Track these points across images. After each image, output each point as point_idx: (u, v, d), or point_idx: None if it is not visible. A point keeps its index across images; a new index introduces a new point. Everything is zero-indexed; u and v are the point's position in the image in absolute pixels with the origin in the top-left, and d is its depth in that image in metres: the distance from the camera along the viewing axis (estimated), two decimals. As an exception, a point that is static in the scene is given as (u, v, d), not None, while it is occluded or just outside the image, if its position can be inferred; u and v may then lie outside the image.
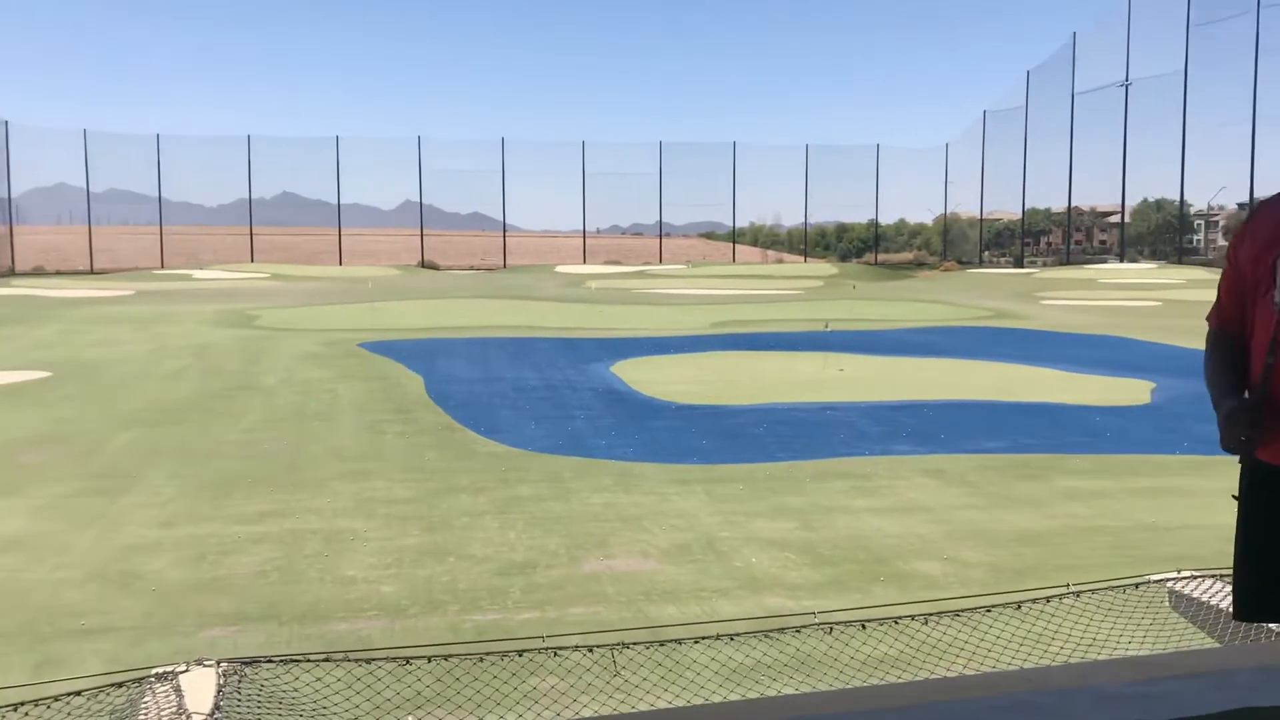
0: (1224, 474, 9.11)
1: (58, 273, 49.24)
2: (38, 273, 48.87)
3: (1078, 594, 3.64)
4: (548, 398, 13.10)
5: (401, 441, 10.50)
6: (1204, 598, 4.49)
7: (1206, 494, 8.56)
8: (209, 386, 13.84)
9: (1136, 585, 4.21)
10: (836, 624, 4.50)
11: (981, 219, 64.69)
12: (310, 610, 5.92)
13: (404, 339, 19.35)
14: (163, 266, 53.10)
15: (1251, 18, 44.05)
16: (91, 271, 50.08)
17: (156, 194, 56.21)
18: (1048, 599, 3.71)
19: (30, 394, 13.30)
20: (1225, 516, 7.82)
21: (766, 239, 77.58)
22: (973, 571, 6.60)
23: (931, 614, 3.58)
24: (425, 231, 60.28)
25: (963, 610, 3.62)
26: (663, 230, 65.31)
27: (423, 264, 57.32)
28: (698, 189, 64.95)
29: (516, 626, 5.68)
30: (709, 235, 79.84)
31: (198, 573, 6.55)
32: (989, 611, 3.57)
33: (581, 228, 62.39)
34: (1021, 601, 3.70)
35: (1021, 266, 57.81)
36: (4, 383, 14.14)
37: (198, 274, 46.80)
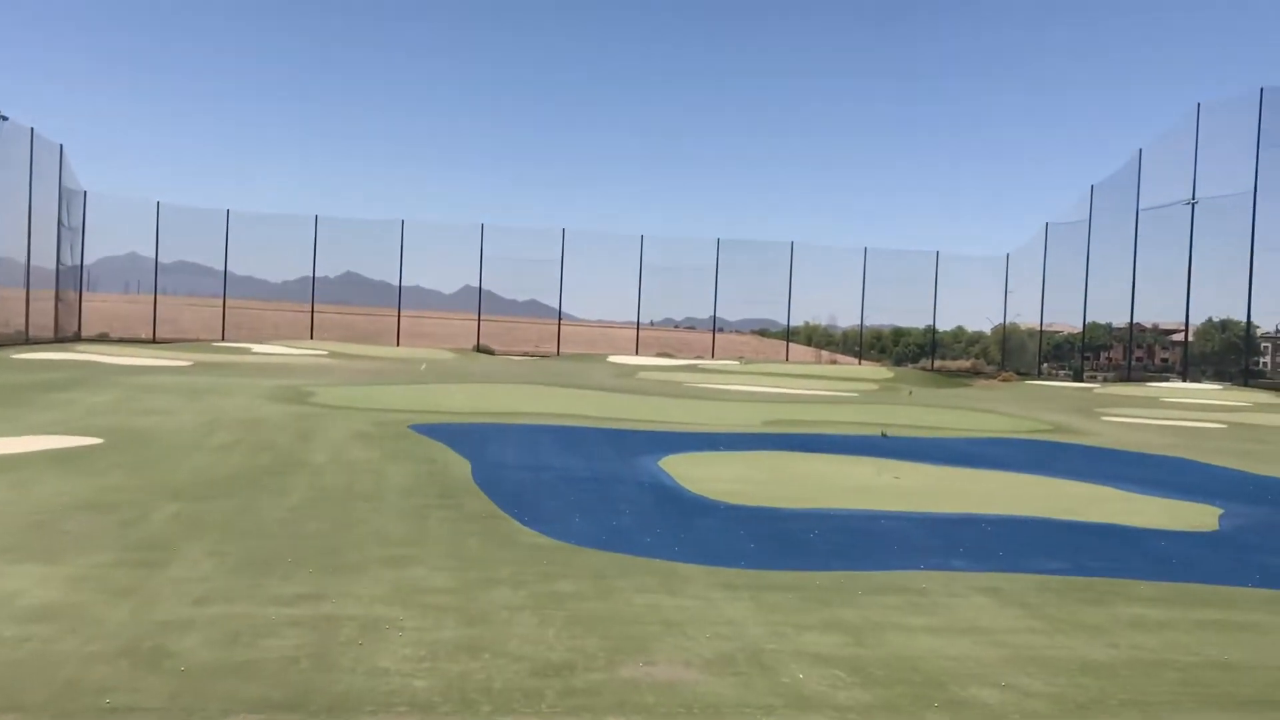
0: (1301, 612, 8.64)
1: (121, 340, 50.32)
2: (101, 339, 50.02)
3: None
4: (594, 490, 12.91)
5: (445, 528, 10.35)
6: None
7: (1281, 631, 8.12)
8: (257, 462, 13.84)
9: None
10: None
11: (1041, 330, 64.09)
12: (340, 702, 5.73)
13: (455, 422, 19.31)
14: (223, 339, 54.15)
15: (1322, 139, 43.77)
16: (154, 340, 51.18)
17: (223, 267, 57.50)
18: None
19: (80, 460, 13.38)
20: (1303, 657, 7.39)
21: (821, 339, 77.40)
22: (1033, 702, 6.25)
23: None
24: (483, 316, 60.99)
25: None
26: (716, 325, 65.45)
27: (478, 348, 57.87)
28: (753, 286, 65.02)
29: (550, 732, 5.44)
30: (762, 332, 79.83)
31: (229, 654, 6.39)
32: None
33: (635, 319, 62.74)
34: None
35: (1081, 380, 57.01)
36: (56, 447, 14.26)
37: (256, 348, 47.52)
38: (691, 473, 14.50)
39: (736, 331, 79.22)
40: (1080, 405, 36.56)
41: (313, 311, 59.42)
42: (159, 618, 7.03)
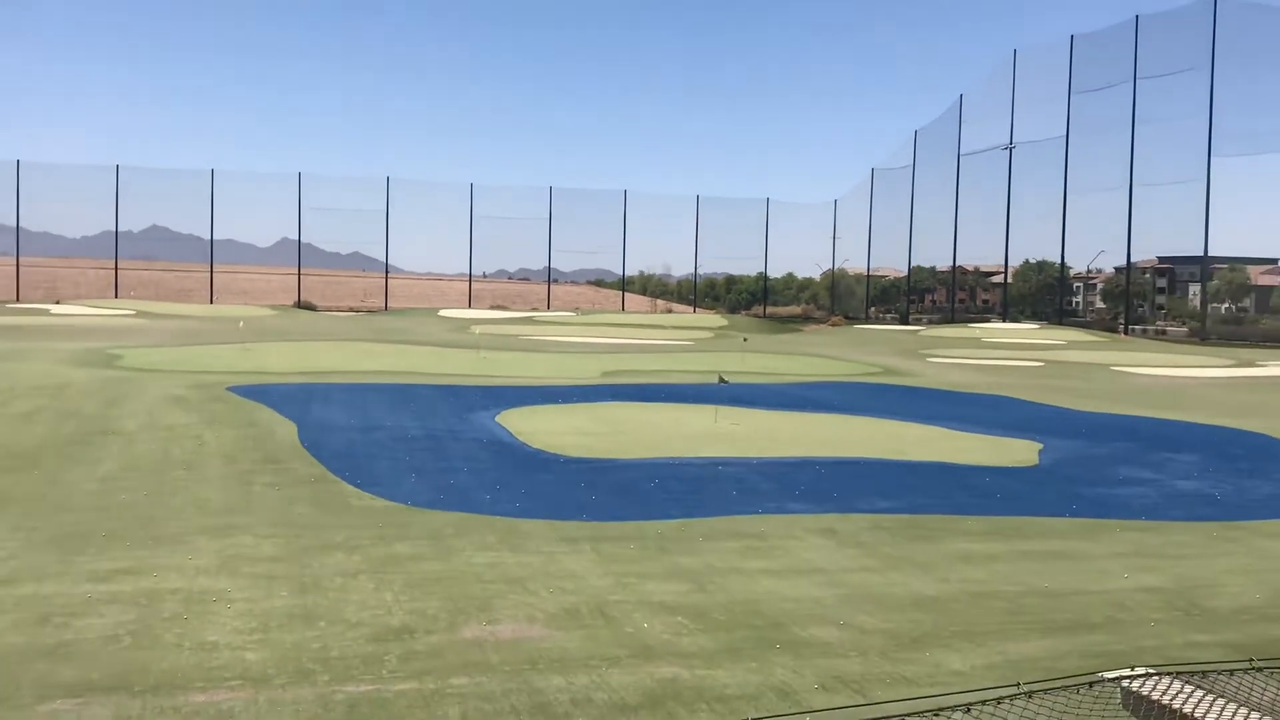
0: (1113, 538, 9.19)
1: (-104, 306, 46.41)
2: None
3: (1030, 694, 3.43)
4: (429, 448, 12.61)
5: (271, 493, 9.92)
6: (1161, 698, 4.32)
7: (1096, 558, 8.60)
8: (62, 431, 12.96)
9: (1090, 684, 4.03)
10: None
11: (869, 275, 66.40)
12: (166, 679, 5.40)
13: (277, 383, 18.56)
14: (18, 300, 50.57)
15: (1129, 87, 46.41)
16: (-63, 304, 47.34)
17: (15, 223, 53.53)
18: (998, 700, 3.48)
19: None
20: (1115, 581, 7.84)
21: (656, 288, 78.18)
22: (870, 639, 6.41)
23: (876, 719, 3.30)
24: (303, 270, 58.84)
25: (908, 716, 3.36)
26: (551, 276, 65.19)
27: (299, 304, 55.90)
28: (587, 236, 65.31)
29: (392, 699, 5.26)
30: (598, 283, 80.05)
31: (41, 636, 5.95)
32: (936, 716, 3.32)
33: (468, 271, 61.84)
34: (971, 704, 3.47)
35: (907, 323, 59.39)
36: None
37: (56, 308, 44.64)
38: (530, 427, 14.35)
39: (572, 282, 79.21)
40: (907, 347, 38.08)
41: (116, 268, 56.05)
42: (-45, 603, 6.48)
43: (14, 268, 53.92)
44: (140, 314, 43.75)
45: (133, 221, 57.67)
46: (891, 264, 67.18)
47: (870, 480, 11.61)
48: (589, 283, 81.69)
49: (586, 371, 23.63)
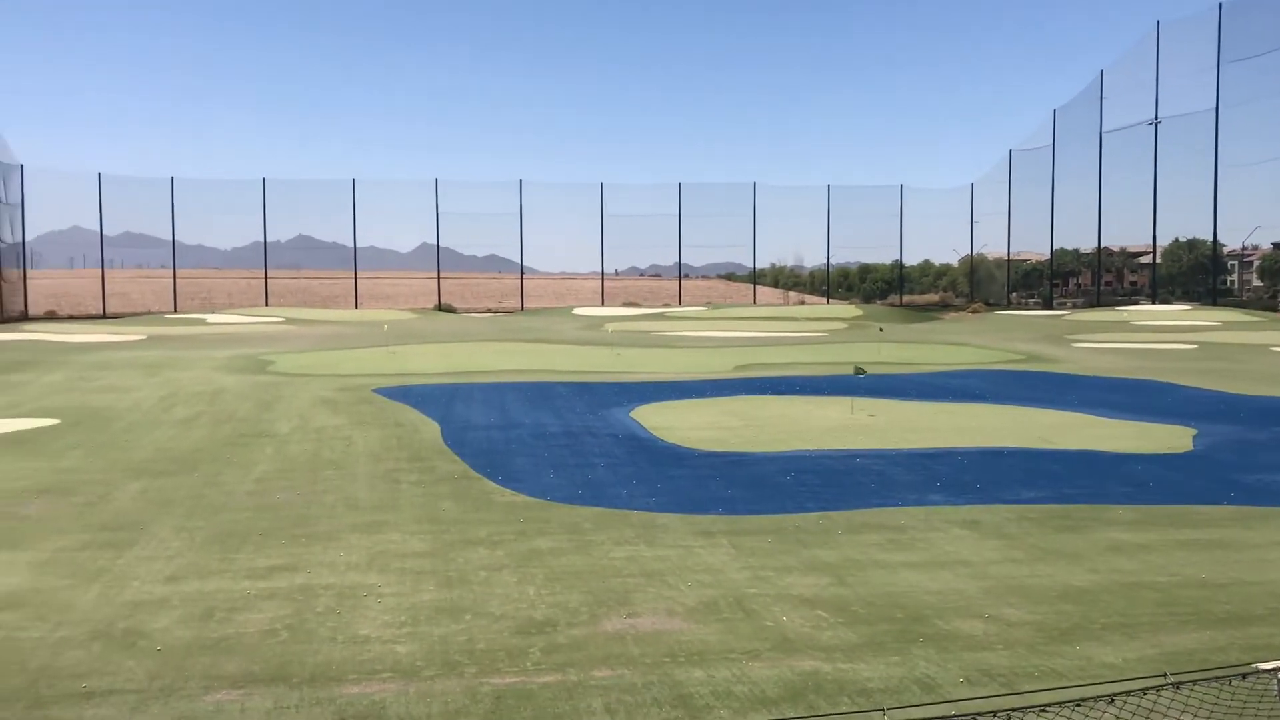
0: (1274, 527, 8.72)
1: (70, 317, 49.44)
2: (50, 317, 49.08)
3: (1177, 685, 3.28)
4: (566, 445, 12.79)
5: (417, 491, 10.21)
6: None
7: (1256, 547, 8.18)
8: (220, 434, 13.60)
9: (1244, 676, 3.83)
10: None
11: (1009, 259, 64.46)
12: (321, 672, 5.61)
13: (420, 384, 19.10)
14: (176, 311, 53.30)
15: (1281, 54, 43.92)
16: (104, 316, 50.30)
17: (171, 237, 56.44)
18: (1144, 691, 3.34)
19: (36, 442, 13.07)
20: (1276, 572, 7.44)
21: (788, 280, 77.45)
22: (1017, 631, 6.23)
23: (1015, 709, 3.21)
24: (442, 274, 60.44)
25: (1049, 706, 3.26)
26: (682, 272, 65.32)
27: (439, 307, 57.43)
28: (717, 230, 65.21)
29: (537, 691, 5.36)
30: (729, 276, 79.81)
31: (205, 631, 6.25)
32: (1079, 706, 3.21)
33: (600, 270, 62.44)
34: (1115, 695, 3.33)
35: (1050, 308, 57.51)
36: (9, 430, 13.92)
37: (211, 318, 46.84)
38: (664, 422, 14.41)
39: (703, 277, 79.17)
40: (1051, 333, 36.84)
41: (266, 278, 58.58)
42: (130, 598, 6.86)
43: (171, 280, 56.85)
44: (289, 321, 45.55)
45: (280, 232, 60.41)
46: (1033, 247, 65.04)
47: (1014, 470, 11.28)
48: (720, 277, 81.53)
49: (720, 365, 23.59)
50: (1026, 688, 5.34)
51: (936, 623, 6.41)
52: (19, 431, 13.83)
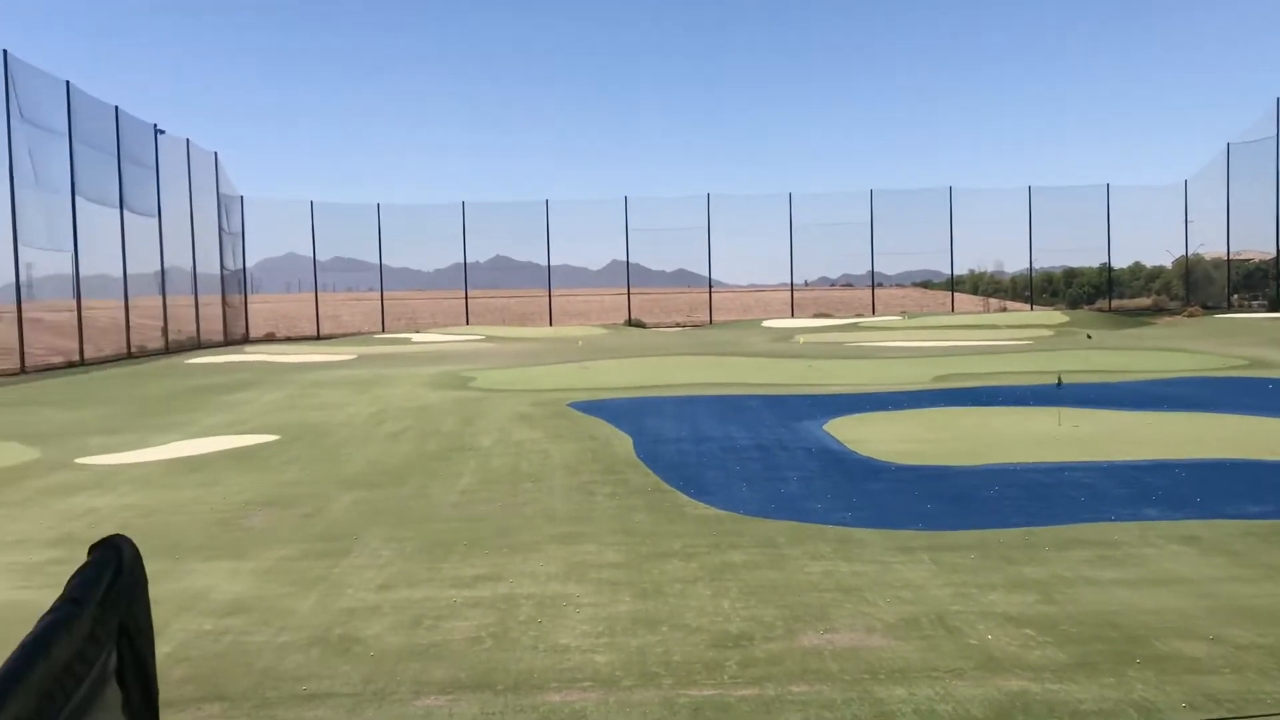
0: None
1: (287, 339, 52.67)
2: (269, 339, 52.44)
3: None
4: (758, 458, 12.74)
5: (612, 503, 10.37)
6: None
7: None
8: (426, 448, 14.18)
9: None
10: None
11: (1229, 259, 60.35)
12: (524, 679, 5.76)
13: (612, 398, 19.42)
14: (383, 330, 56.02)
15: None
16: (318, 337, 53.33)
17: (377, 261, 59.39)
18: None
19: (258, 457, 13.95)
20: None
21: (988, 286, 74.81)
22: (1246, 655, 5.81)
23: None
24: (632, 290, 61.31)
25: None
26: (875, 280, 64.14)
27: (630, 322, 58.29)
28: (911, 237, 63.37)
29: (734, 704, 5.34)
30: (925, 284, 77.76)
31: (415, 638, 6.52)
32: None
33: (789, 281, 62.02)
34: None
35: (1277, 310, 53.54)
36: (236, 446, 14.91)
37: (416, 337, 48.96)
38: (859, 435, 14.17)
39: (897, 285, 77.41)
40: (1277, 337, 34.32)
41: (466, 297, 60.96)
42: (345, 605, 7.23)
43: (379, 302, 59.85)
44: (488, 338, 47.16)
45: (479, 253, 62.56)
46: (1256, 246, 60.53)
47: (1239, 483, 10.54)
48: (915, 284, 79.48)
49: (917, 376, 23.01)
50: (1257, 714, 4.98)
51: (1154, 644, 6.05)
52: (244, 447, 14.81)
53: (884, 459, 12.38)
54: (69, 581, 1.51)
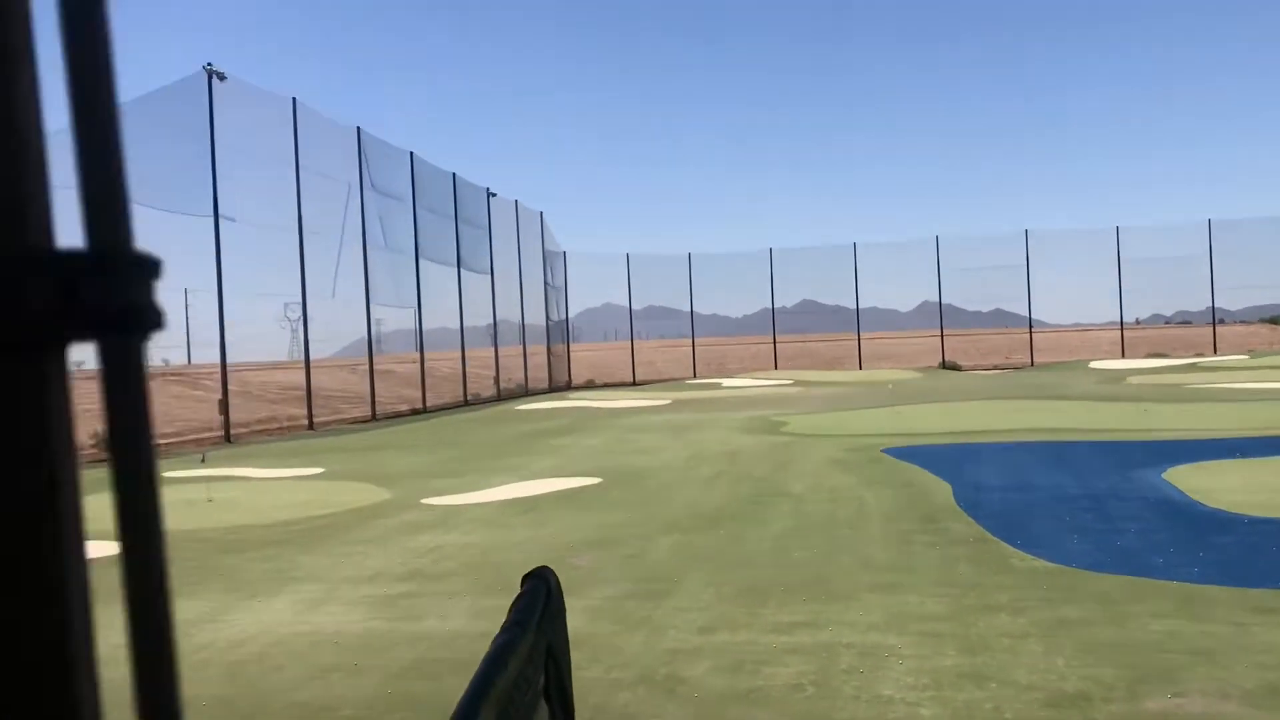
0: None
1: (605, 385, 55.03)
2: (589, 385, 55.05)
3: None
4: (1090, 508, 12.01)
5: (932, 553, 10.11)
6: None
7: None
8: (740, 492, 14.40)
9: None
10: None
11: None
12: (846, 729, 5.75)
13: (928, 444, 18.93)
14: (695, 376, 57.38)
15: None
16: (633, 383, 55.40)
17: (689, 308, 61.07)
18: None
19: (584, 498, 14.66)
20: None
21: (1358, 320, 66.94)
22: None
23: None
24: (945, 331, 59.55)
25: None
26: (1216, 317, 58.91)
27: (944, 364, 56.57)
28: (1258, 269, 57.94)
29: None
30: (1274, 320, 70.52)
31: (737, 681, 6.64)
32: None
33: (1118, 319, 58.12)
34: None
35: None
36: (565, 488, 15.75)
37: (726, 382, 49.80)
38: (1204, 484, 13.06)
39: (1242, 322, 70.80)
40: None
41: (774, 342, 61.47)
42: (669, 646, 7.48)
43: (690, 348, 61.45)
44: (797, 383, 47.24)
45: (786, 298, 63.04)
46: None
47: None
48: (1263, 320, 72.32)
49: (1269, 421, 20.90)
50: None
51: None
52: (570, 489, 15.63)
53: (1234, 510, 11.34)
54: (511, 606, 1.72)
